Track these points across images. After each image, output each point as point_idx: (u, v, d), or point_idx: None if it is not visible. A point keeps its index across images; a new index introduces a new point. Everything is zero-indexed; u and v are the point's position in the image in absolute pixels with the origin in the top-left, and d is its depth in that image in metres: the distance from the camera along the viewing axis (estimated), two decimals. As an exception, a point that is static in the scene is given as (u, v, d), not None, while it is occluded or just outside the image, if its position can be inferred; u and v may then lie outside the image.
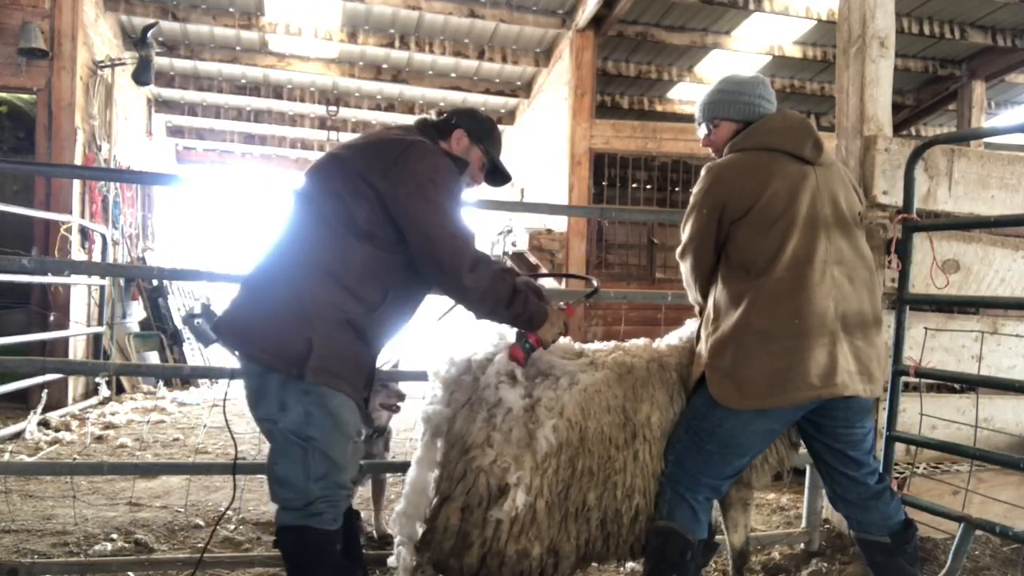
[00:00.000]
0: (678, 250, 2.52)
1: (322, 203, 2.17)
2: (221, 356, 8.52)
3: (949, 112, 10.97)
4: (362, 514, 3.73)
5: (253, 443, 4.39)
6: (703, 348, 2.37)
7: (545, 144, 9.86)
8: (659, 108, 10.94)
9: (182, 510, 3.87)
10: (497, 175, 2.55)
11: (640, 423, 2.39)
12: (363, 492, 3.88)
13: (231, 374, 2.56)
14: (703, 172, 2.42)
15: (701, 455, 2.32)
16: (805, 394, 2.19)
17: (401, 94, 11.04)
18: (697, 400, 2.39)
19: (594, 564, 2.62)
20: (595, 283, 2.73)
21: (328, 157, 2.30)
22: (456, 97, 11.03)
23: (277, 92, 10.86)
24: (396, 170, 2.13)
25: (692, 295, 2.55)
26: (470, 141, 2.43)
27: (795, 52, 9.37)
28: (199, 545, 3.33)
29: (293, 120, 11.95)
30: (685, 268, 2.50)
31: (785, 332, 2.19)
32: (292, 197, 2.30)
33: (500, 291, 2.20)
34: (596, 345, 2.68)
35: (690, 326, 2.69)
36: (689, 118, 12.08)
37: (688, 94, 10.85)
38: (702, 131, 2.58)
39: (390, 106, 11.30)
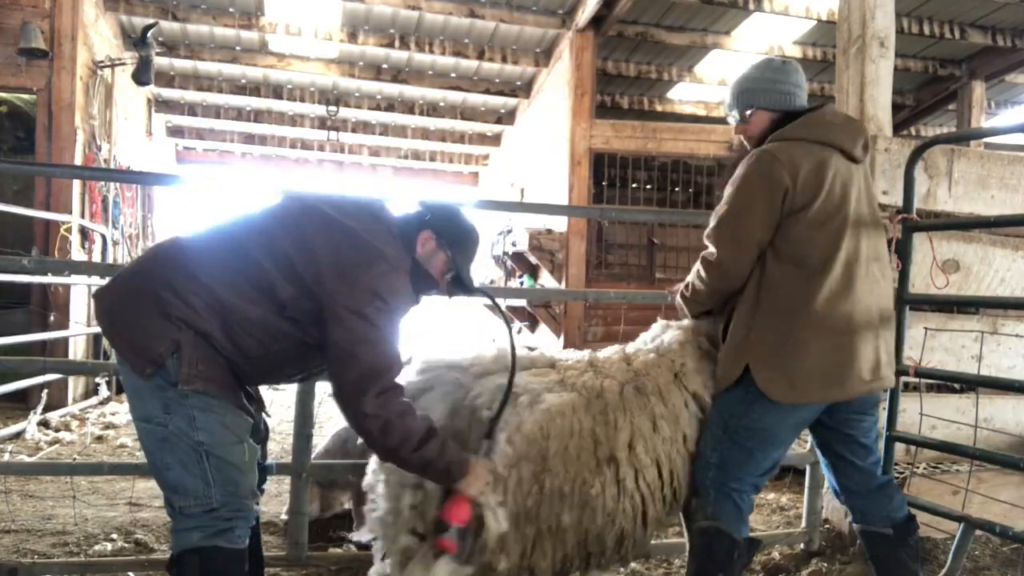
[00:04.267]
0: (714, 235, 2.34)
1: (261, 246, 2.02)
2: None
3: (949, 112, 10.97)
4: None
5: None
6: (741, 342, 2.30)
7: (545, 144, 9.86)
8: (659, 108, 10.93)
9: (182, 510, 3.86)
10: (460, 286, 2.30)
11: (621, 451, 2.27)
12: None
13: None
14: (754, 156, 2.29)
15: (743, 453, 2.31)
16: (859, 388, 2.27)
17: (401, 94, 11.03)
18: (731, 399, 2.33)
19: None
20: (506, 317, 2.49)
21: (300, 214, 2.11)
22: (456, 97, 11.03)
23: (277, 92, 10.85)
24: (349, 277, 1.97)
25: (725, 283, 2.37)
26: (436, 245, 2.22)
27: (795, 52, 9.35)
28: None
29: (293, 120, 11.94)
30: (726, 253, 2.31)
31: (839, 328, 2.23)
32: (250, 210, 2.15)
33: (409, 427, 1.98)
34: (569, 356, 2.57)
35: (661, 333, 2.60)
36: (689, 118, 12.00)
37: (688, 94, 10.85)
38: (733, 117, 2.50)
39: (390, 106, 11.29)
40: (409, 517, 2.23)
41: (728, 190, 2.35)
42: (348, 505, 3.64)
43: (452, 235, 2.25)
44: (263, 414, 2.40)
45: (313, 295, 1.99)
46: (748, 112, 2.44)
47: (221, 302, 1.98)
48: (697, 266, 2.45)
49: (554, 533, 2.22)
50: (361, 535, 2.61)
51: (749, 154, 2.35)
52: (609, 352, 2.58)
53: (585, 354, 2.57)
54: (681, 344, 2.51)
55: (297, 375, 2.32)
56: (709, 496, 2.34)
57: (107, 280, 2.13)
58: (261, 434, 2.36)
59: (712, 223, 2.38)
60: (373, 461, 2.36)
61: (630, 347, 2.61)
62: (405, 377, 2.26)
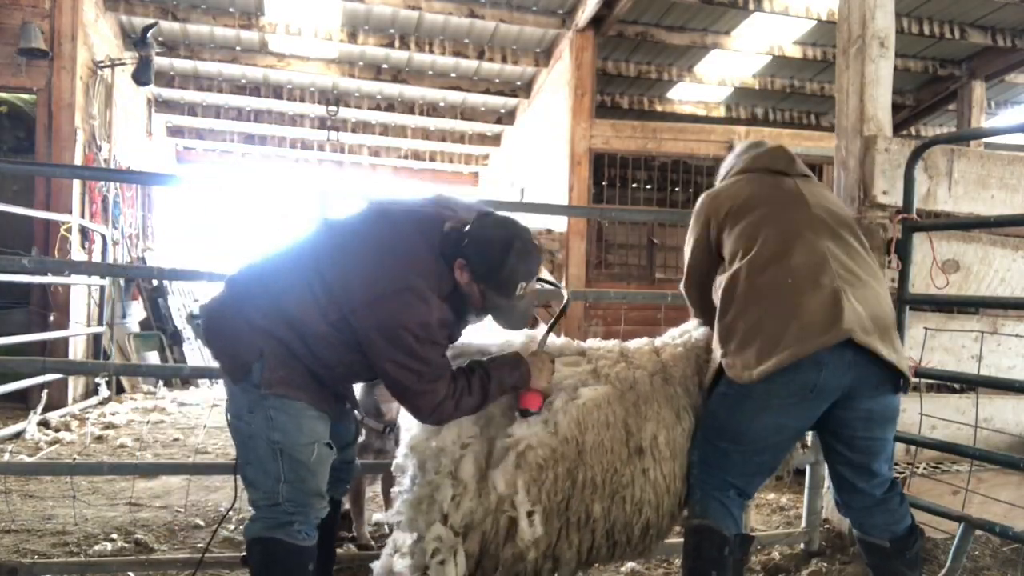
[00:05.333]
0: (683, 283, 2.68)
1: (314, 271, 2.11)
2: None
3: (949, 112, 10.96)
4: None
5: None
6: (720, 345, 2.35)
7: (545, 144, 9.86)
8: (659, 108, 10.93)
9: (182, 510, 3.87)
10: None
11: (647, 441, 2.32)
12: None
13: None
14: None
15: (718, 453, 2.32)
16: (811, 343, 2.11)
17: (401, 94, 11.03)
18: (710, 402, 2.39)
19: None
20: (564, 294, 2.55)
21: (348, 238, 2.17)
22: (456, 97, 11.02)
23: (277, 92, 10.85)
24: (379, 313, 2.02)
25: (697, 302, 2.67)
26: (470, 276, 2.11)
27: (795, 52, 9.36)
28: (199, 545, 3.34)
29: (293, 120, 11.94)
30: (690, 294, 2.67)
31: (782, 292, 2.22)
32: (320, 223, 2.27)
33: (467, 406, 2.15)
34: (599, 345, 2.62)
35: (691, 328, 2.70)
36: (689, 118, 12.03)
37: (688, 94, 10.84)
38: None
39: (390, 106, 11.29)
40: (447, 508, 2.23)
41: None
42: (347, 505, 3.63)
43: (482, 270, 2.10)
44: (355, 412, 2.53)
45: (350, 325, 2.06)
46: None
47: (291, 318, 2.08)
48: None
49: (583, 524, 2.28)
50: (388, 516, 2.68)
51: None
52: (640, 343, 2.65)
53: (615, 343, 2.63)
54: (709, 339, 2.55)
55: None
56: (696, 495, 2.36)
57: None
58: (348, 435, 2.48)
59: None
60: (404, 444, 2.39)
61: (658, 340, 2.68)
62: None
